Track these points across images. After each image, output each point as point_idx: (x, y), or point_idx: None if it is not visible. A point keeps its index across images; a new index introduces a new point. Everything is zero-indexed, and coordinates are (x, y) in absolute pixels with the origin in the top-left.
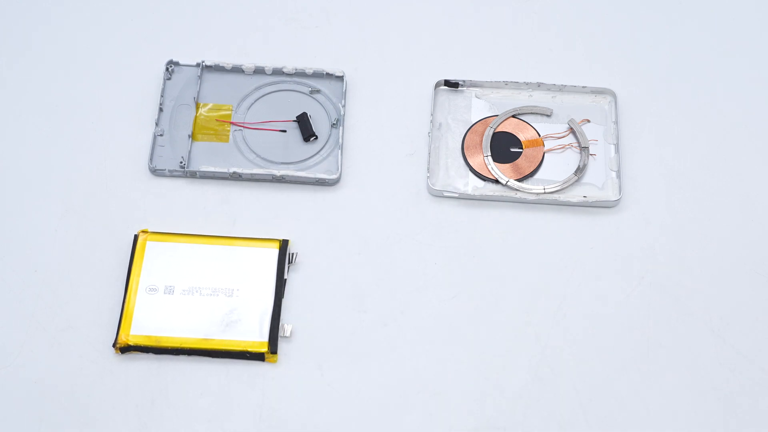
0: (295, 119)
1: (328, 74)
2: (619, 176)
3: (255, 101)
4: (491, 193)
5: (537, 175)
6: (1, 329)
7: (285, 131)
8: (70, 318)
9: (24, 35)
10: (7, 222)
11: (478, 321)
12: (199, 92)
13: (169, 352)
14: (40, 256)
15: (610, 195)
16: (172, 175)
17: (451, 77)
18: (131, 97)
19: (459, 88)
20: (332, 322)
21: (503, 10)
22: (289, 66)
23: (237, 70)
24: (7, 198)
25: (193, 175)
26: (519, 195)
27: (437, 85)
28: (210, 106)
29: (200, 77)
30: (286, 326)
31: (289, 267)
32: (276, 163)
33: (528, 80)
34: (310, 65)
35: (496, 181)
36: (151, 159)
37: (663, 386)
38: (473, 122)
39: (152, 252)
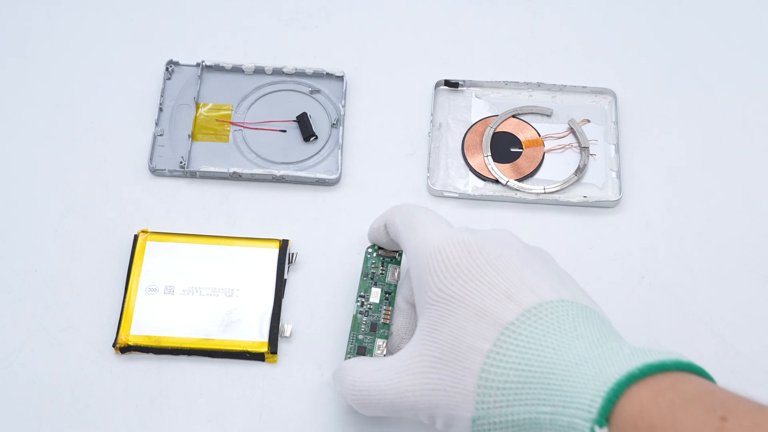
0: (295, 119)
1: (328, 74)
2: (619, 176)
3: (255, 101)
4: (491, 193)
5: (537, 175)
6: (1, 329)
7: (285, 131)
8: (70, 318)
9: (23, 35)
10: (7, 222)
11: None
12: (199, 92)
13: (169, 352)
14: (40, 256)
15: (610, 195)
16: (172, 175)
17: (451, 77)
18: (131, 97)
19: (459, 88)
20: (332, 322)
21: (503, 10)
22: (289, 66)
23: (237, 70)
24: (7, 198)
25: (193, 175)
26: (519, 195)
27: (437, 85)
28: (210, 106)
29: (200, 77)
30: (286, 326)
31: (289, 267)
32: (276, 163)
33: (528, 80)
34: (310, 65)
35: (496, 181)
36: (151, 159)
37: None
38: (473, 122)
39: (152, 252)
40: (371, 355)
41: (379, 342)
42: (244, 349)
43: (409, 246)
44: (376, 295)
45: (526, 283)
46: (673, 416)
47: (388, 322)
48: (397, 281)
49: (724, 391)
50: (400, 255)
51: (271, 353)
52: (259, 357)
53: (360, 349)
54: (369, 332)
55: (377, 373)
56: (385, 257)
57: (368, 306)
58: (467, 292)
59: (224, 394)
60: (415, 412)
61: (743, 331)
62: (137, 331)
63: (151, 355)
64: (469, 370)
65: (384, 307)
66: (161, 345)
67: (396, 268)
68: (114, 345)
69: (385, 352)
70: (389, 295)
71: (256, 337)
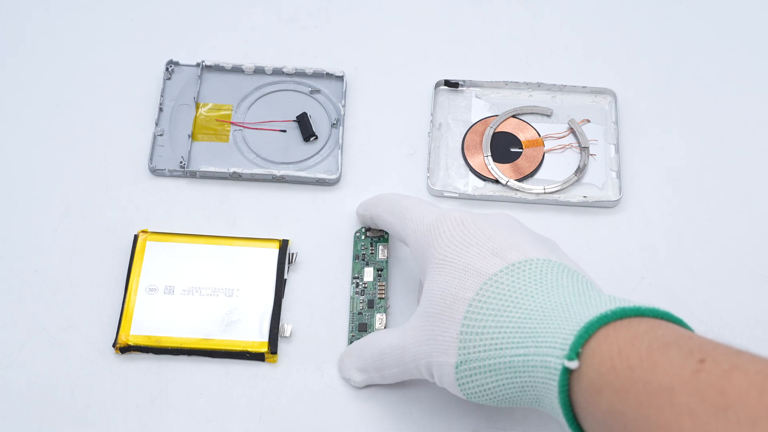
0: (295, 119)
1: (328, 74)
2: (619, 176)
3: (255, 101)
4: (491, 193)
5: (537, 175)
6: (1, 329)
7: (285, 131)
8: (70, 318)
9: (23, 35)
10: (7, 222)
11: None
12: (199, 92)
13: (169, 352)
14: (40, 256)
15: (610, 195)
16: (172, 175)
17: (451, 77)
18: (131, 97)
19: (459, 88)
20: (332, 322)
21: (503, 10)
22: (289, 66)
23: (237, 70)
24: (7, 198)
25: (193, 175)
26: (519, 195)
27: (437, 85)
28: (210, 106)
29: (200, 77)
30: (286, 326)
31: (289, 267)
32: (276, 163)
33: (528, 80)
34: (310, 65)
35: (496, 181)
36: (151, 159)
37: None
38: (473, 122)
39: (152, 252)
40: (372, 329)
41: (379, 316)
42: (244, 349)
43: (408, 234)
44: (369, 274)
45: (513, 245)
46: (651, 357)
47: (383, 297)
48: (387, 258)
49: (701, 337)
50: (387, 234)
51: (271, 353)
52: (259, 357)
53: (361, 325)
54: (367, 309)
55: (390, 334)
56: (373, 237)
57: (363, 286)
58: (457, 253)
59: (224, 394)
60: (417, 364)
61: (743, 331)
62: (137, 331)
63: (151, 355)
64: (453, 318)
65: (378, 283)
66: (161, 345)
67: (385, 246)
68: (114, 345)
69: (385, 324)
70: (381, 272)
71: (256, 337)
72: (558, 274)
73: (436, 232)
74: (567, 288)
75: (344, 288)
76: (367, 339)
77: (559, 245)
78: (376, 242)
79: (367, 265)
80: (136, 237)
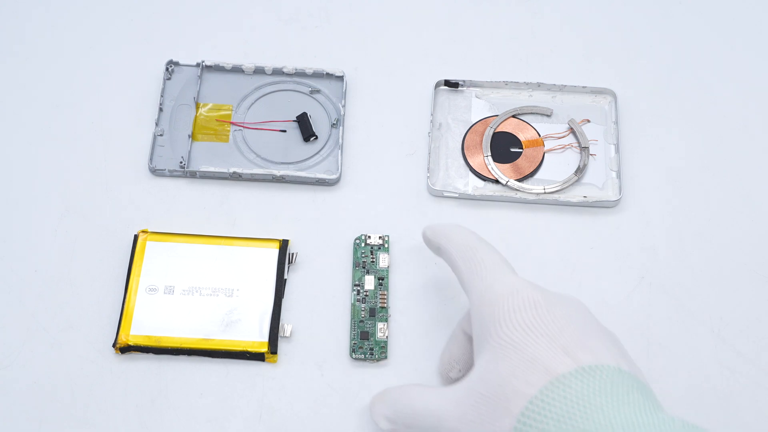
0: (295, 119)
1: (328, 74)
2: (619, 176)
3: (255, 101)
4: (491, 193)
5: (537, 175)
6: (1, 329)
7: (285, 131)
8: (70, 318)
9: (23, 35)
10: (7, 222)
11: None
12: (199, 92)
13: (169, 352)
14: (40, 256)
15: (610, 195)
16: (172, 175)
17: (451, 77)
18: (131, 97)
19: (459, 88)
20: (332, 321)
21: (503, 10)
22: (289, 66)
23: (237, 70)
24: (7, 198)
25: (193, 175)
26: (519, 195)
27: (437, 85)
28: (210, 106)
29: (200, 77)
30: (286, 326)
31: (289, 267)
32: (276, 163)
33: (528, 80)
34: (310, 65)
35: (496, 181)
36: (151, 159)
37: (663, 386)
38: (473, 122)
39: (152, 252)
40: (374, 339)
41: (380, 325)
42: (244, 349)
43: (474, 291)
44: (370, 282)
45: (586, 345)
46: None
47: (385, 305)
48: (388, 267)
49: None
50: (388, 243)
51: (271, 353)
52: (259, 357)
53: (363, 334)
54: (369, 317)
55: (429, 395)
56: (373, 246)
57: (364, 294)
58: (525, 340)
59: (224, 394)
60: None
61: (743, 331)
62: (137, 331)
63: (151, 355)
64: (509, 411)
65: (380, 292)
66: (161, 345)
67: (386, 255)
68: (114, 345)
69: (387, 334)
70: (382, 281)
71: (256, 337)
72: (629, 388)
73: (505, 307)
74: (637, 404)
75: (344, 288)
76: (403, 390)
77: (620, 340)
78: (377, 251)
79: (368, 273)
80: (136, 237)
